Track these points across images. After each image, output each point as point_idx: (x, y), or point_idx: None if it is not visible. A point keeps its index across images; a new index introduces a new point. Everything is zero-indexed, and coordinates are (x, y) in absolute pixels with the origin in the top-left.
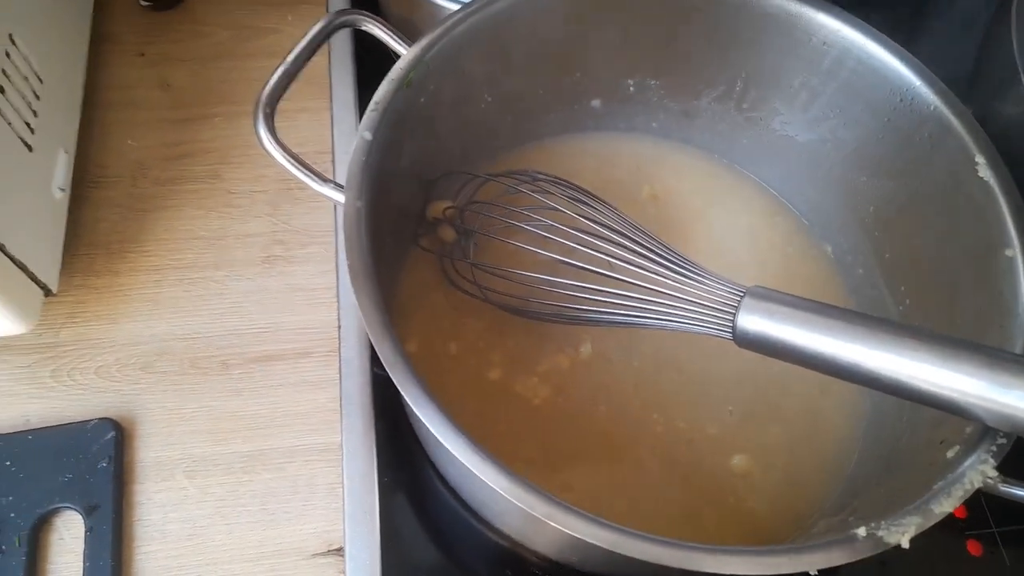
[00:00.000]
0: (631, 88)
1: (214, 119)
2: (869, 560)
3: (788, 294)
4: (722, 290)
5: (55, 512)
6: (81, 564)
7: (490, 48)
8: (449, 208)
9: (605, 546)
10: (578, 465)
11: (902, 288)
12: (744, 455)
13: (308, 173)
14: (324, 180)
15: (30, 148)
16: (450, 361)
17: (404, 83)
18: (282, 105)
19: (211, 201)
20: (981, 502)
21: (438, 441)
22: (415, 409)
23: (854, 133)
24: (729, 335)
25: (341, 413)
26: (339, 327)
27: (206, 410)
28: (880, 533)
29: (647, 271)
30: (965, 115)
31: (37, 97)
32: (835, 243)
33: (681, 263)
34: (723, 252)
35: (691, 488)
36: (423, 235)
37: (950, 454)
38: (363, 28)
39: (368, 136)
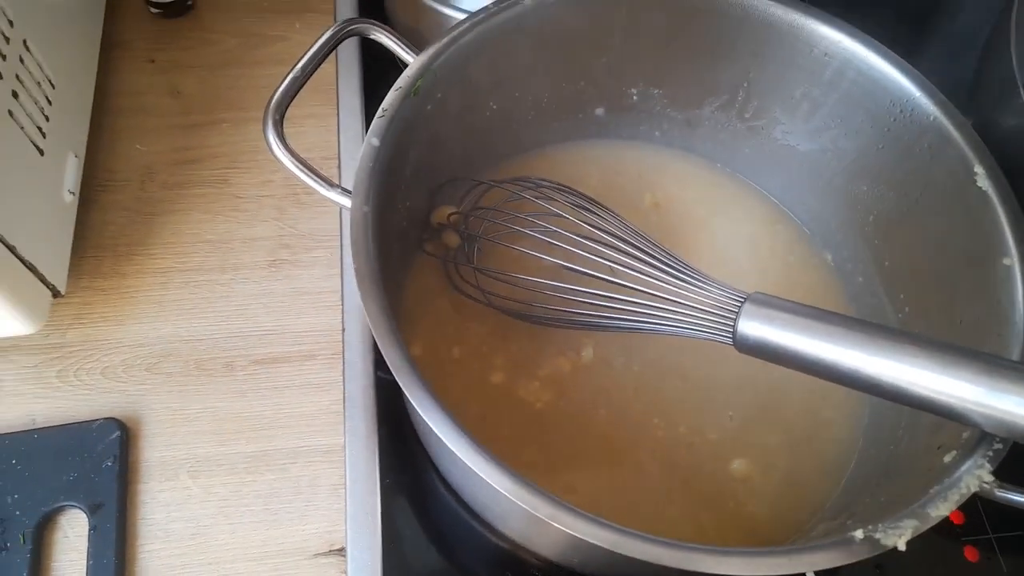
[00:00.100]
0: (634, 97)
1: (222, 125)
2: (866, 564)
3: (789, 300)
4: (723, 296)
5: (60, 510)
6: (85, 562)
7: (496, 57)
8: (453, 214)
9: (607, 547)
10: (579, 469)
11: (901, 296)
12: (744, 459)
13: (316, 178)
14: (331, 185)
15: (42, 152)
16: (453, 365)
17: (412, 91)
18: (289, 111)
19: (218, 205)
20: (978, 508)
21: (442, 443)
22: (420, 412)
23: (855, 143)
24: (730, 340)
25: (344, 415)
26: (343, 330)
27: (210, 411)
28: (877, 535)
29: (649, 276)
30: (964, 126)
31: (49, 102)
32: (835, 251)
33: (683, 269)
34: (724, 260)
35: (691, 492)
36: (427, 240)
37: (947, 459)
38: (371, 37)
39: (376, 142)
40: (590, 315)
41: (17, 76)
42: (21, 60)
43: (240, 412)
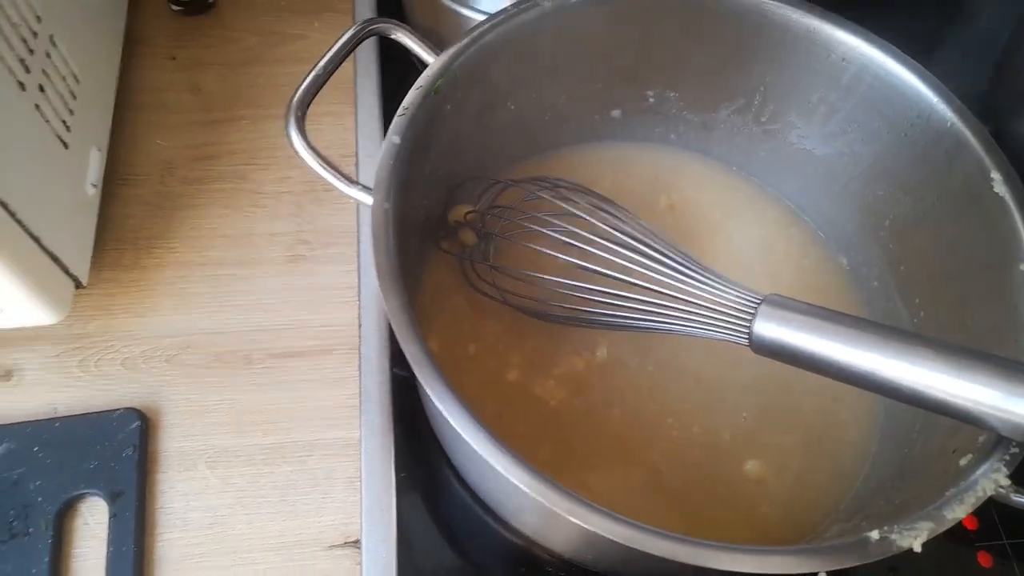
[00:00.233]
0: (651, 99)
1: (241, 122)
2: (880, 567)
3: (805, 303)
4: (739, 297)
5: (80, 498)
6: (105, 549)
7: (515, 58)
8: (470, 212)
9: (624, 542)
10: (593, 467)
11: (916, 301)
12: (757, 460)
13: (337, 175)
14: (352, 182)
15: (66, 145)
16: (469, 362)
17: (432, 90)
18: (308, 109)
19: (237, 201)
20: (992, 514)
21: (459, 437)
22: (439, 405)
23: (871, 148)
24: (745, 341)
25: (360, 410)
26: (360, 326)
27: (229, 403)
28: (892, 536)
29: (665, 277)
30: (981, 132)
31: (74, 97)
32: (850, 255)
33: (699, 270)
34: (739, 263)
35: (704, 492)
36: (444, 238)
37: (963, 462)
38: (392, 36)
39: (397, 140)
40: (605, 314)
41: (44, 71)
42: (48, 55)
43: (258, 404)
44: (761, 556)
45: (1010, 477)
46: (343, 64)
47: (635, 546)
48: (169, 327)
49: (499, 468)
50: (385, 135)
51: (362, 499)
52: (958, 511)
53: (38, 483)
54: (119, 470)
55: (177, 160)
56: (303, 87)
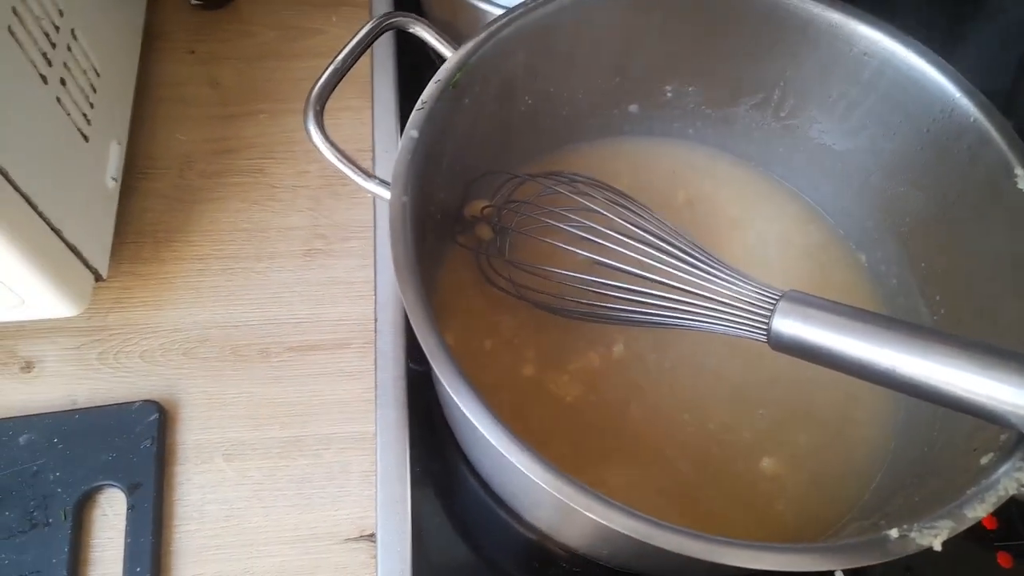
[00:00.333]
0: (669, 94)
1: (259, 116)
2: (896, 567)
3: (824, 299)
4: (758, 293)
5: (99, 489)
6: (123, 540)
7: (533, 52)
8: (487, 207)
9: (641, 538)
10: (608, 463)
11: (937, 298)
12: (774, 458)
13: (355, 169)
14: (369, 176)
15: (86, 139)
16: (485, 357)
17: (451, 84)
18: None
19: (255, 195)
20: (1012, 513)
21: (476, 431)
22: (456, 399)
23: (892, 144)
24: (764, 338)
25: (376, 404)
26: (376, 320)
27: (246, 396)
28: (912, 535)
29: (683, 272)
30: (1005, 127)
31: (94, 90)
32: (869, 252)
33: (717, 265)
34: (757, 259)
35: (720, 489)
36: (461, 233)
37: (984, 461)
38: (411, 30)
39: (415, 134)
40: (622, 310)
41: (65, 64)
42: (69, 49)
43: (274, 398)
44: (778, 553)
45: None
46: (360, 59)
47: (652, 542)
48: (187, 320)
49: (515, 463)
50: (402, 130)
51: (377, 493)
52: (979, 510)
53: (58, 474)
54: (137, 462)
55: (196, 154)
56: (321, 81)
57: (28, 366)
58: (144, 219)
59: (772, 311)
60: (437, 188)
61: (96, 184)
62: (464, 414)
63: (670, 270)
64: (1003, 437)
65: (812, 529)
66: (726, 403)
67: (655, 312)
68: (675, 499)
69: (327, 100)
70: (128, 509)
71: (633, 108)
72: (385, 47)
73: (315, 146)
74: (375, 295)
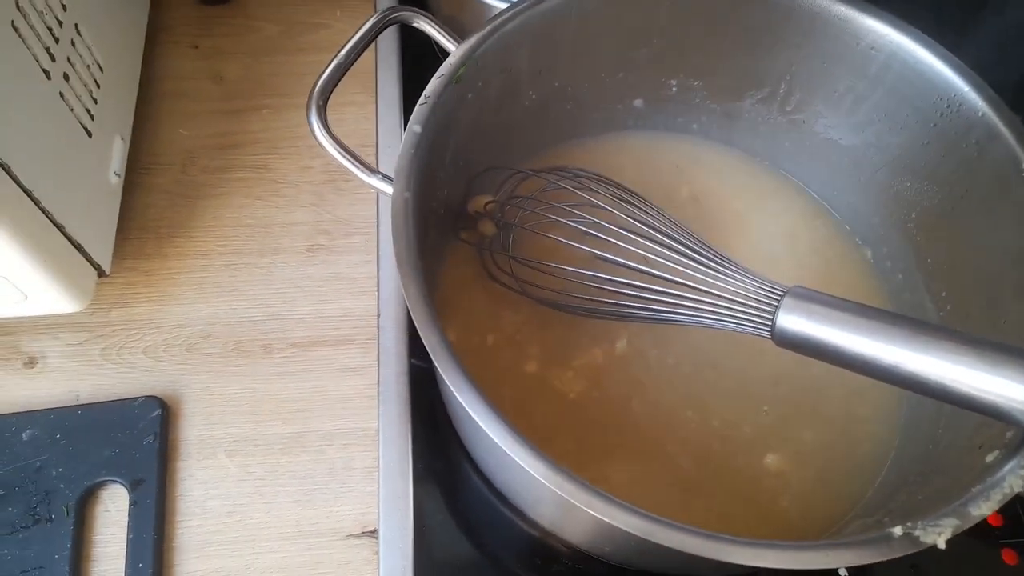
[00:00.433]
0: (674, 88)
1: (262, 111)
2: (901, 564)
3: (829, 295)
4: (762, 289)
5: (102, 485)
6: (125, 536)
7: (537, 47)
8: (490, 202)
9: (643, 535)
10: (611, 459)
11: (943, 294)
12: (778, 454)
13: (357, 164)
14: (372, 171)
15: (90, 134)
16: (488, 353)
17: (454, 79)
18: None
19: (258, 190)
20: (1017, 511)
21: (477, 427)
22: (457, 395)
23: (899, 138)
24: (768, 334)
25: (378, 400)
26: (378, 316)
27: (248, 392)
28: (916, 533)
29: (687, 268)
30: (1014, 122)
31: (98, 85)
32: (875, 248)
33: (721, 261)
34: (762, 254)
35: (723, 486)
36: (464, 228)
37: (989, 458)
38: (414, 24)
39: (418, 129)
40: (626, 306)
41: (68, 59)
42: (72, 44)
43: (277, 394)
44: (780, 551)
45: None
46: (364, 54)
47: (654, 540)
48: (190, 316)
49: (517, 459)
50: (405, 124)
51: (380, 489)
52: (984, 508)
53: (60, 470)
54: (140, 458)
55: (199, 149)
56: (324, 76)
57: (31, 362)
58: (147, 215)
59: (776, 307)
60: (440, 183)
61: (99, 180)
62: (466, 411)
63: (674, 266)
64: (1008, 434)
65: (816, 526)
66: (730, 399)
67: (658, 308)
68: (678, 495)
69: (330, 95)
70: (130, 505)
71: (638, 102)
72: (389, 41)
73: (318, 141)
74: (378, 291)
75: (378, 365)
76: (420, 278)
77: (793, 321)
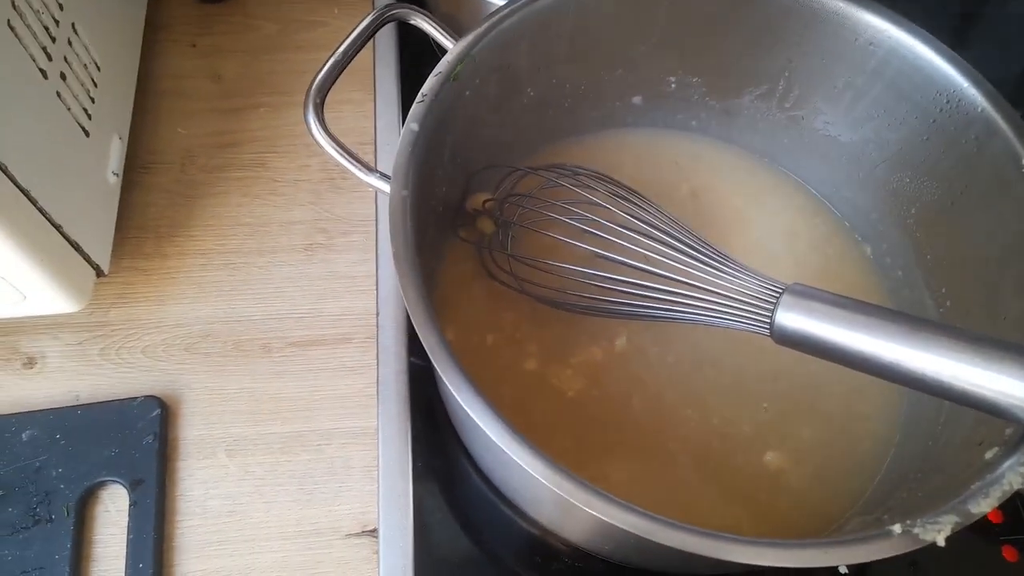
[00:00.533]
0: (673, 85)
1: (260, 109)
2: (900, 561)
3: (828, 292)
4: (761, 286)
5: (102, 485)
6: (125, 536)
7: (535, 44)
8: (489, 200)
9: (642, 534)
10: (611, 458)
11: (943, 290)
12: (777, 452)
13: (355, 163)
14: (370, 170)
15: (87, 133)
16: (487, 351)
17: (451, 77)
18: (327, 97)
19: (256, 189)
20: (1017, 507)
21: (476, 426)
22: (456, 395)
23: (899, 134)
24: (767, 331)
25: (377, 399)
26: (377, 314)
27: (247, 391)
28: (915, 530)
29: (686, 266)
30: (1013, 117)
31: (95, 84)
32: (875, 244)
33: (720, 259)
34: (761, 251)
35: (723, 484)
36: (462, 226)
37: (989, 455)
38: (412, 22)
39: (415, 127)
40: (625, 304)
41: (65, 58)
42: (69, 43)
43: (276, 393)
44: (781, 549)
45: None
46: (362, 51)
47: (653, 538)
48: (189, 315)
49: (515, 458)
50: (404, 122)
51: (379, 488)
52: (983, 505)
53: (60, 470)
54: (139, 458)
55: (197, 148)
56: (322, 74)
57: (30, 362)
58: (146, 214)
59: (775, 304)
60: (438, 181)
61: (97, 179)
62: (465, 410)
63: (673, 264)
64: (1008, 431)
65: (815, 524)
66: (729, 397)
67: (658, 306)
68: (678, 493)
69: (327, 93)
70: (130, 505)
71: (636, 99)
72: (387, 39)
73: (315, 140)
74: (377, 289)
75: (377, 364)
76: (418, 278)
77: (792, 319)
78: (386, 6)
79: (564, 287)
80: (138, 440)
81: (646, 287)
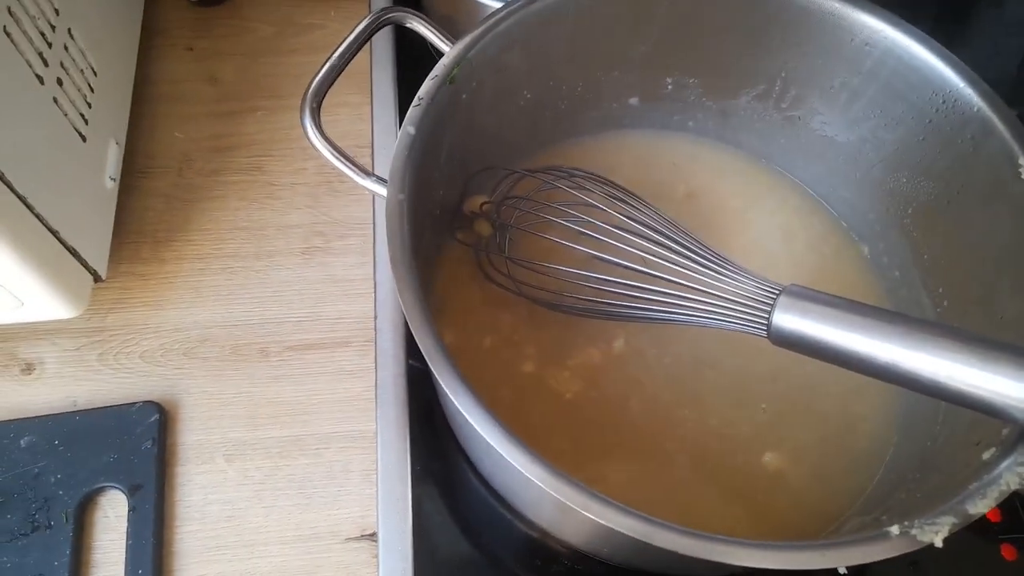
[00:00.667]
0: (669, 87)
1: (257, 113)
2: (900, 561)
3: (825, 293)
4: (758, 288)
5: (100, 491)
6: (124, 542)
7: (531, 46)
8: (486, 203)
9: (639, 537)
10: (609, 459)
11: (940, 290)
12: (776, 453)
13: (351, 166)
14: (366, 174)
15: (84, 138)
16: (484, 354)
17: (448, 79)
18: (324, 100)
19: (253, 192)
20: (1016, 506)
21: (474, 430)
22: (453, 399)
23: (895, 134)
24: (764, 333)
25: (376, 402)
26: (375, 318)
27: (246, 395)
28: (913, 531)
29: (682, 267)
30: (1009, 117)
31: (92, 89)
32: (872, 244)
33: (717, 260)
34: (759, 252)
35: (721, 485)
36: (459, 229)
37: (986, 455)
38: (408, 25)
39: (412, 131)
40: (622, 306)
41: (62, 64)
42: (66, 48)
43: (274, 397)
44: (776, 551)
45: None
46: (359, 54)
47: (648, 541)
48: (187, 320)
49: (513, 462)
50: (401, 125)
51: (378, 491)
52: (980, 506)
53: (59, 476)
54: (138, 463)
55: (194, 152)
56: (318, 78)
57: (28, 368)
58: (143, 219)
59: (772, 306)
60: (435, 184)
61: (94, 184)
62: (462, 414)
63: (670, 265)
64: (1005, 431)
65: (814, 524)
66: (727, 398)
67: (655, 308)
68: (676, 494)
69: (324, 97)
70: (129, 511)
71: (633, 101)
72: (384, 42)
73: (311, 144)
74: (375, 292)
75: (375, 367)
76: (415, 282)
77: (789, 320)
78: (382, 9)
79: (561, 289)
80: (137, 445)
81: (643, 289)
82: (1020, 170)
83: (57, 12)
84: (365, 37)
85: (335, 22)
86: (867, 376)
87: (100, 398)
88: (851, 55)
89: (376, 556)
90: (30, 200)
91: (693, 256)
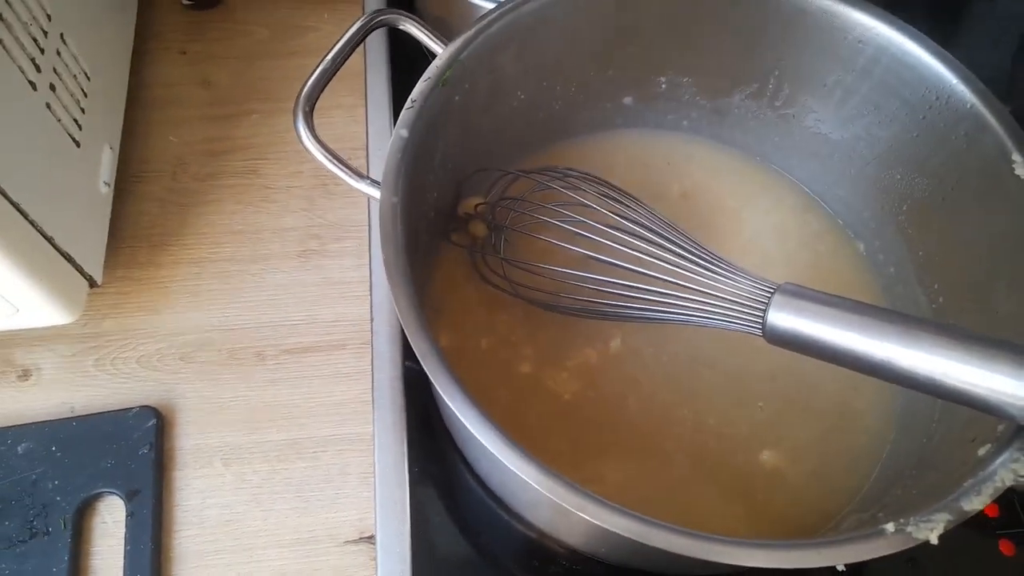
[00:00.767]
0: (663, 85)
1: (252, 116)
2: (898, 557)
3: (820, 291)
4: (753, 286)
5: (98, 496)
6: (123, 547)
7: (524, 47)
8: (481, 204)
9: (635, 537)
10: (607, 459)
11: (935, 286)
12: (773, 451)
13: (345, 169)
14: (360, 176)
15: (78, 144)
16: (481, 355)
17: (440, 81)
18: (318, 102)
19: (249, 196)
20: (1014, 502)
21: (470, 433)
22: (448, 401)
23: (889, 131)
24: (759, 332)
25: (373, 405)
26: (372, 320)
27: (243, 399)
28: (909, 529)
29: (678, 267)
30: (1003, 113)
31: (85, 94)
32: (867, 241)
33: (712, 259)
34: (754, 250)
35: (719, 483)
36: (454, 231)
37: (981, 452)
38: (401, 27)
39: (405, 133)
40: (618, 306)
41: (54, 69)
42: (58, 53)
43: (271, 401)
44: (771, 550)
45: None
46: (354, 56)
47: (647, 542)
48: (183, 325)
49: (509, 464)
50: (394, 128)
51: (376, 494)
52: (976, 502)
53: (56, 482)
54: (136, 468)
55: (189, 156)
56: (311, 81)
57: (25, 374)
58: (139, 223)
59: (767, 304)
60: (429, 186)
61: (89, 190)
62: (458, 417)
63: (665, 265)
64: (1000, 428)
65: (812, 521)
66: (724, 397)
67: (650, 308)
68: (675, 493)
69: (317, 100)
70: (127, 516)
71: (627, 100)
72: (378, 44)
73: (305, 147)
74: (371, 295)
75: (372, 370)
76: (409, 285)
77: (783, 318)
78: (374, 12)
79: (558, 290)
80: (134, 451)
81: (639, 289)
82: (1014, 166)
83: (49, 17)
84: (358, 40)
85: (329, 24)
86: (863, 374)
87: (97, 404)
88: (844, 53)
89: (374, 559)
90: (24, 206)
91: (688, 255)
